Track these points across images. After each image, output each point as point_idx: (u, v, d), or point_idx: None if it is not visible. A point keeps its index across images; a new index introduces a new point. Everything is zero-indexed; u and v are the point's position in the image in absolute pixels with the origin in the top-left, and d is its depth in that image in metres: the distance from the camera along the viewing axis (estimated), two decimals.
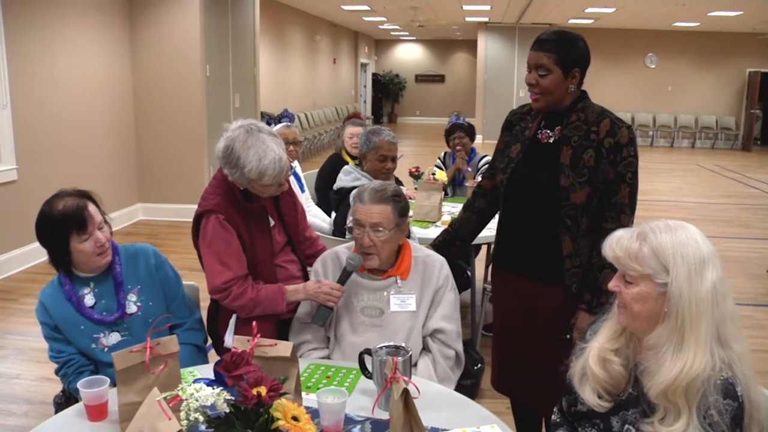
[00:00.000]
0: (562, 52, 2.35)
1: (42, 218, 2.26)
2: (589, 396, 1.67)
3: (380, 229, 2.35)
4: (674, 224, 1.57)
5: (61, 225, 2.22)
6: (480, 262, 4.82)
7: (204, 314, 2.67)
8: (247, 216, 2.51)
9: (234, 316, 2.58)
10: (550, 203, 2.41)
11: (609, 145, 2.34)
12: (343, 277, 2.40)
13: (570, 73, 2.37)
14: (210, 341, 2.73)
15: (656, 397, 1.54)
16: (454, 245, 2.83)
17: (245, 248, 2.49)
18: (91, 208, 2.29)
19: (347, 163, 4.71)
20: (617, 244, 1.61)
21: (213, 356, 2.63)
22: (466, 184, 5.15)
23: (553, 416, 1.91)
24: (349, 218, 3.40)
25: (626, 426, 1.62)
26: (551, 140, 2.46)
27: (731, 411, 1.48)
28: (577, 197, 2.36)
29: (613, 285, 1.65)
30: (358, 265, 2.40)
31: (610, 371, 1.65)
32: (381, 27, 20.18)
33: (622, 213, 2.36)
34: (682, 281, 1.51)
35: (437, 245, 2.81)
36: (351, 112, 19.17)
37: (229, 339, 2.57)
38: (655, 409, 1.55)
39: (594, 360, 1.67)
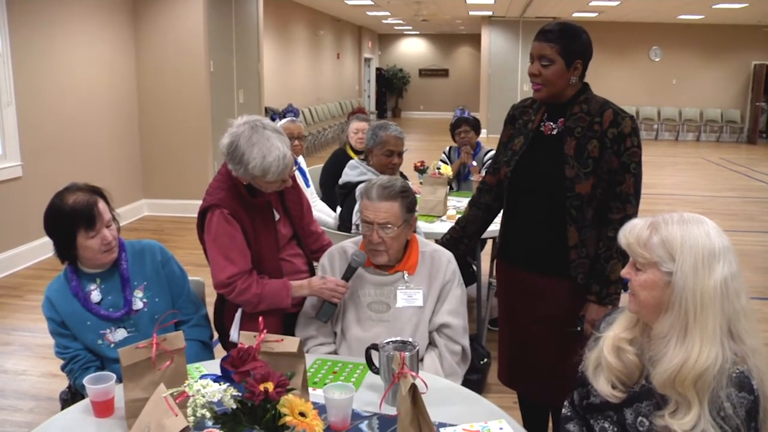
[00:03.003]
0: (565, 43, 2.35)
1: (51, 210, 2.26)
2: (603, 386, 1.68)
3: (389, 226, 2.34)
4: (689, 217, 1.58)
5: (69, 219, 2.22)
6: (486, 256, 4.82)
7: (210, 309, 2.67)
8: (252, 211, 2.51)
9: (239, 311, 2.58)
10: (554, 195, 2.41)
11: (613, 135, 2.35)
12: (348, 274, 2.40)
13: (572, 64, 2.37)
14: (216, 336, 2.74)
15: (660, 387, 1.54)
16: (462, 243, 2.82)
17: (250, 243, 2.49)
18: (101, 205, 2.29)
19: (352, 159, 4.71)
20: (630, 231, 1.63)
21: (219, 352, 2.63)
22: (471, 179, 5.15)
23: (563, 410, 1.90)
24: (356, 215, 3.40)
25: (639, 418, 1.62)
26: (554, 132, 2.46)
27: (746, 404, 1.48)
28: (582, 188, 2.36)
29: (625, 272, 1.67)
30: (362, 262, 2.40)
31: (624, 361, 1.66)
32: (384, 21, 20.15)
33: (628, 203, 2.37)
34: (688, 271, 1.51)
35: (445, 244, 2.79)
36: (355, 107, 19.19)
37: (235, 333, 2.58)
38: (667, 401, 1.54)
39: (608, 349, 1.68)
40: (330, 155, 5.01)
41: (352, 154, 4.85)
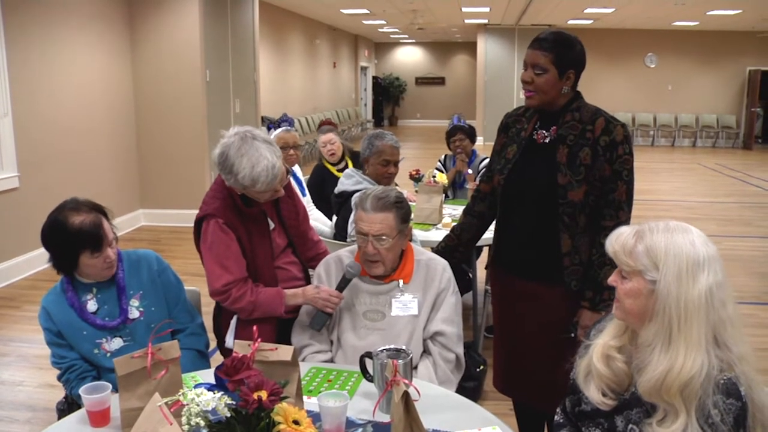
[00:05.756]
0: (559, 52, 2.37)
1: (54, 229, 2.25)
2: (594, 394, 1.68)
3: (384, 237, 2.35)
4: (675, 225, 1.58)
5: (75, 241, 2.22)
6: (481, 264, 4.82)
7: (207, 318, 2.69)
8: (247, 220, 2.53)
9: (235, 318, 2.61)
10: (547, 202, 2.43)
11: (605, 143, 2.37)
12: (342, 285, 2.42)
13: (565, 74, 2.39)
14: (216, 342, 2.75)
15: (646, 395, 1.55)
16: (457, 251, 2.84)
17: (245, 252, 2.52)
18: (105, 225, 2.30)
19: (330, 172, 4.75)
20: (617, 239, 1.64)
21: (215, 360, 2.64)
22: (467, 187, 5.16)
23: (556, 417, 1.91)
24: (351, 225, 3.41)
25: (630, 426, 1.63)
26: (547, 140, 2.48)
27: (734, 411, 1.48)
28: (575, 195, 2.38)
29: (612, 279, 1.68)
30: (357, 274, 2.41)
31: (613, 368, 1.66)
32: (381, 30, 20.19)
33: (620, 210, 2.39)
34: (671, 280, 1.52)
35: (440, 252, 2.81)
36: (351, 115, 19.22)
37: (230, 339, 2.61)
38: (656, 409, 1.55)
39: (598, 357, 1.69)
40: (311, 172, 5.02)
41: (329, 167, 4.86)
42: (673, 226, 1.58)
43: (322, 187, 4.72)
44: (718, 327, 1.53)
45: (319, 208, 4.64)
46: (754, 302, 5.38)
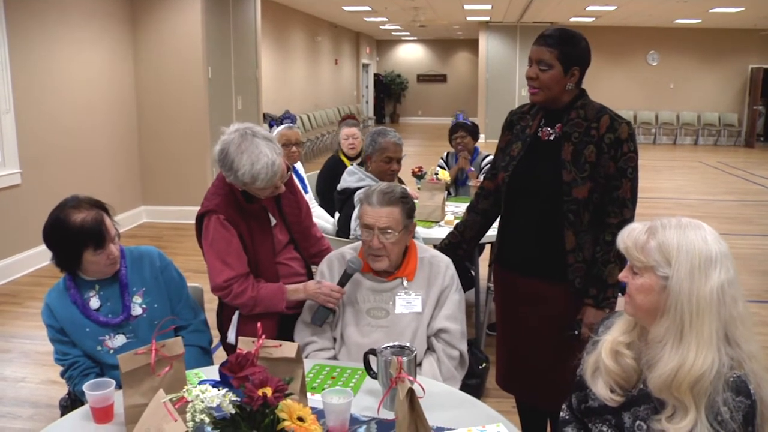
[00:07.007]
0: (564, 49, 2.37)
1: (56, 227, 2.25)
2: (601, 390, 1.68)
3: (389, 231, 2.35)
4: (687, 222, 1.58)
5: (77, 238, 2.22)
6: (484, 261, 4.82)
7: (210, 314, 2.69)
8: (248, 216, 2.55)
9: (237, 313, 2.62)
10: (551, 200, 2.43)
11: (609, 140, 2.37)
12: (344, 280, 2.42)
13: (569, 70, 2.39)
14: (216, 341, 2.75)
15: (657, 391, 1.55)
16: (460, 248, 2.84)
17: (246, 248, 2.53)
18: (107, 221, 2.30)
19: (345, 165, 4.74)
20: (628, 235, 1.64)
21: (218, 357, 2.63)
22: (469, 184, 5.15)
23: (561, 413, 1.91)
24: (355, 221, 3.41)
25: (638, 422, 1.63)
26: (552, 137, 2.48)
27: (743, 408, 1.48)
28: (579, 192, 2.38)
29: (623, 275, 1.68)
30: (358, 269, 2.41)
31: (622, 364, 1.66)
32: (382, 27, 20.19)
33: (625, 207, 2.39)
34: (683, 276, 1.52)
35: (443, 249, 2.81)
36: (353, 113, 19.20)
37: (232, 335, 2.62)
38: (665, 405, 1.55)
39: (606, 353, 1.69)
40: (324, 163, 5.03)
41: (345, 160, 4.87)
42: (685, 222, 1.58)
43: (334, 178, 4.71)
44: (729, 324, 1.53)
45: (328, 198, 4.63)
46: (755, 300, 5.38)
